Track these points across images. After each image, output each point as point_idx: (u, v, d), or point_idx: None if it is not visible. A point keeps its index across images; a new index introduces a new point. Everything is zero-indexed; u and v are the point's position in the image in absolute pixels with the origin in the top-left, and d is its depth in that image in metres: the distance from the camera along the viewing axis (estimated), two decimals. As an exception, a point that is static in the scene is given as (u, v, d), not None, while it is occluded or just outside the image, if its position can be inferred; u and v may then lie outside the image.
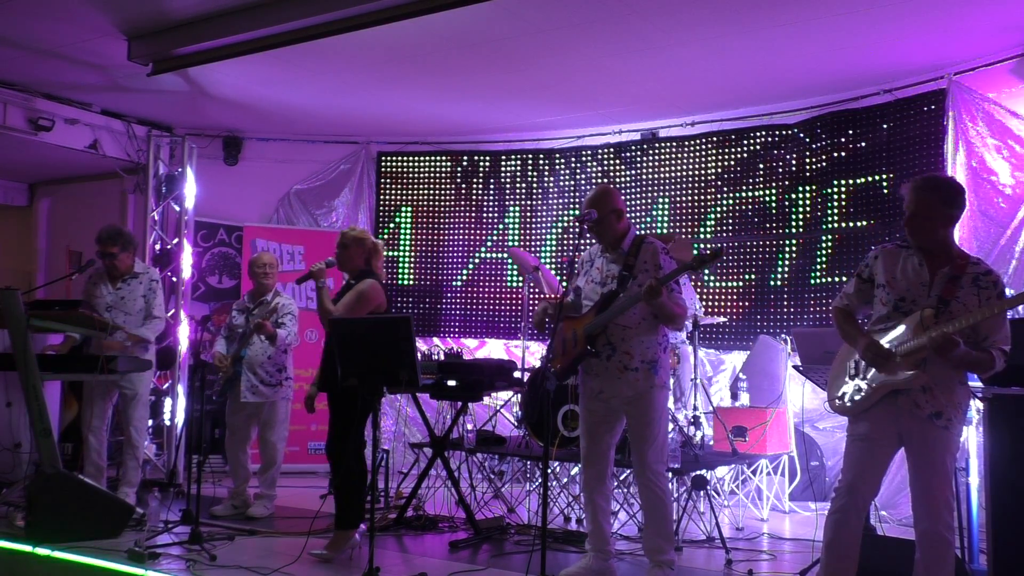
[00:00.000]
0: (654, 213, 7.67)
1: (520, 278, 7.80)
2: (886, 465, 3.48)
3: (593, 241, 4.44)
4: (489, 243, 8.37)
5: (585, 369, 4.30)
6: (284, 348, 5.98)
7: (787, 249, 7.08)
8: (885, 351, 3.38)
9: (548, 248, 8.14)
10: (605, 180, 7.85)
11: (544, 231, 8.19)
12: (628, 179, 7.81)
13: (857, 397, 3.48)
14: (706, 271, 7.34)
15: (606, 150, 7.95)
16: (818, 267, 6.87)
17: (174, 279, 7.90)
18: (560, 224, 8.10)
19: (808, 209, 7.00)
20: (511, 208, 8.32)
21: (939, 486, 3.31)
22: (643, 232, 4.54)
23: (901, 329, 3.39)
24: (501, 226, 8.34)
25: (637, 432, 4.19)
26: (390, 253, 8.57)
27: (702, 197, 7.50)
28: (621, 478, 5.77)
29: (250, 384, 5.90)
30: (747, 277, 7.24)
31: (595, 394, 4.26)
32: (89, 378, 5.52)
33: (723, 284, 7.32)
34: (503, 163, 8.36)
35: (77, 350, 5.89)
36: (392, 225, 8.59)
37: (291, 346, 6.05)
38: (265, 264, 6.07)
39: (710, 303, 7.28)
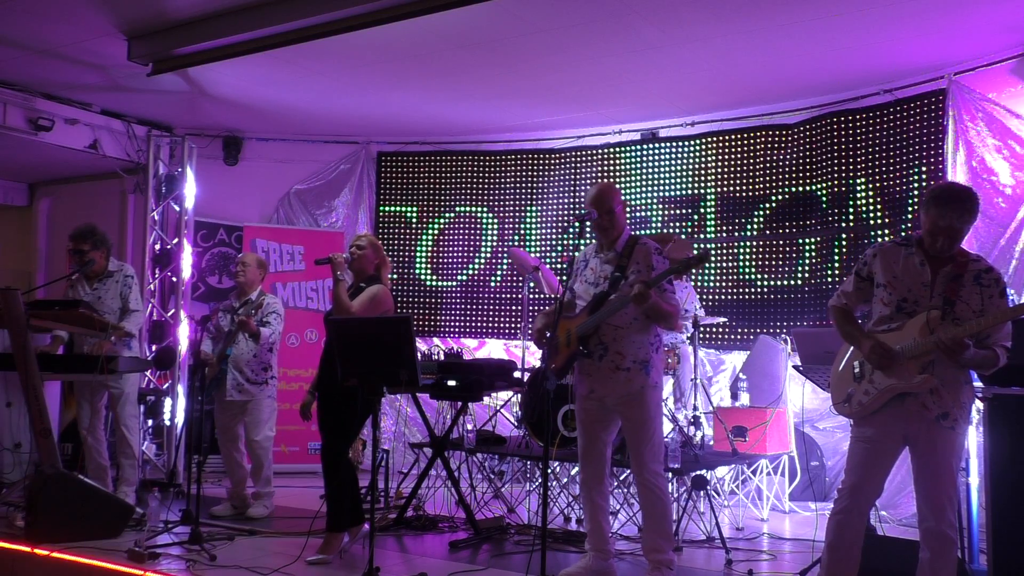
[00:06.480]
0: (654, 213, 7.67)
1: (518, 279, 7.80)
2: (890, 467, 3.48)
3: (589, 240, 4.44)
4: (489, 243, 8.37)
5: (579, 369, 4.31)
6: (269, 347, 5.98)
7: (787, 249, 7.08)
8: (892, 353, 3.37)
9: (548, 248, 8.13)
10: (605, 180, 7.85)
11: (544, 231, 8.19)
12: (628, 179, 7.80)
13: (864, 400, 3.46)
14: (706, 271, 7.35)
15: (606, 150, 7.95)
16: (819, 266, 6.86)
17: (174, 279, 7.90)
18: (560, 224, 8.09)
19: (808, 209, 7.00)
20: (511, 208, 8.32)
21: (944, 486, 3.32)
22: (638, 233, 4.52)
23: (906, 330, 3.38)
24: (501, 226, 8.34)
25: (632, 433, 4.19)
26: (391, 254, 8.57)
27: (702, 197, 7.50)
28: (621, 478, 5.77)
29: (236, 382, 5.89)
30: (747, 277, 7.24)
31: (588, 393, 4.26)
32: (89, 378, 5.53)
33: (723, 284, 7.32)
34: (503, 163, 8.36)
35: (68, 349, 5.89)
36: (392, 225, 8.60)
37: (276, 345, 6.05)
38: (239, 262, 6.09)
39: (710, 303, 7.28)
